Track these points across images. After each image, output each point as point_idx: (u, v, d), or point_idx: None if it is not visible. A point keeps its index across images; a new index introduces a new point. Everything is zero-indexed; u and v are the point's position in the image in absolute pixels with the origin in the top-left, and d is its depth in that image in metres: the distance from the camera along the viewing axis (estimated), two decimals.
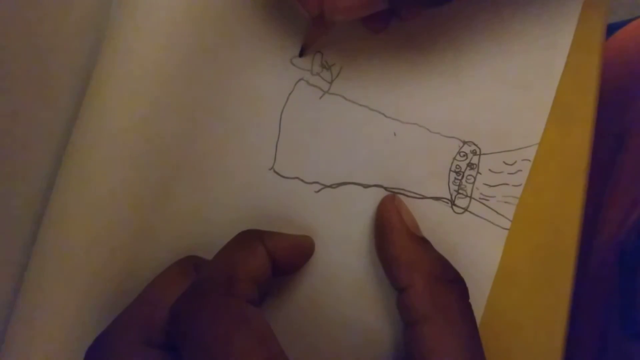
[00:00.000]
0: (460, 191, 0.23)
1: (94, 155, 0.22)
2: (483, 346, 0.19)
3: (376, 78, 0.24)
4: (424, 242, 0.21)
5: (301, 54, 0.24)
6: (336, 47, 0.24)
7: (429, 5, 0.22)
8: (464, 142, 0.24)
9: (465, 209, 0.23)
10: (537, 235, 0.23)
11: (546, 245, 0.23)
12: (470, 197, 0.23)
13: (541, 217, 0.23)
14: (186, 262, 0.21)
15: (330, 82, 0.24)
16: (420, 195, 0.23)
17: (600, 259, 0.33)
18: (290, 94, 0.24)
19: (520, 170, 0.23)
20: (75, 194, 0.22)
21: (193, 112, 0.23)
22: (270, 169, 0.23)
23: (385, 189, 0.23)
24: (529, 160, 0.23)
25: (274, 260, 0.20)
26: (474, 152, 0.23)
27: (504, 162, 0.23)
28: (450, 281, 0.20)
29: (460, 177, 0.23)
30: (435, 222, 0.23)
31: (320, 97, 0.24)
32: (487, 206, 0.23)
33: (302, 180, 0.23)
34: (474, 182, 0.23)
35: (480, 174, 0.23)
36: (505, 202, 0.23)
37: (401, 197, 0.23)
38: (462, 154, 0.24)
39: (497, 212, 0.23)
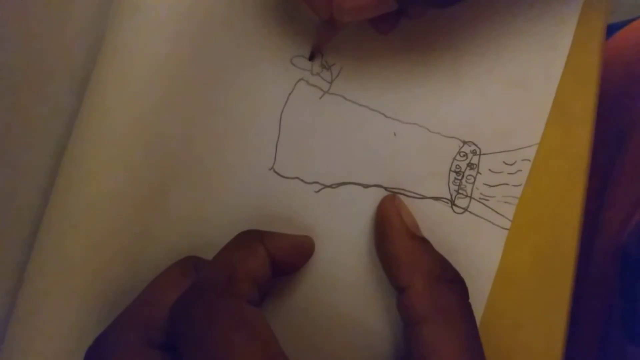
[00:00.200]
0: (460, 191, 0.23)
1: (94, 155, 0.22)
2: (483, 346, 0.19)
3: (376, 78, 0.24)
4: (424, 242, 0.21)
5: (311, 58, 0.24)
6: (336, 47, 0.24)
7: (438, 6, 0.22)
8: (464, 142, 0.24)
9: (465, 209, 0.23)
10: (537, 235, 0.23)
11: (546, 245, 0.23)
12: (470, 197, 0.23)
13: (541, 217, 0.23)
14: (186, 262, 0.21)
15: (330, 82, 0.24)
16: (420, 195, 0.23)
17: (600, 258, 0.33)
18: (290, 94, 0.24)
19: (520, 170, 0.23)
20: (75, 194, 0.22)
21: (193, 112, 0.23)
22: (270, 169, 0.23)
23: (385, 189, 0.23)
24: (529, 160, 0.23)
25: (274, 261, 0.20)
26: (474, 152, 0.23)
27: (504, 162, 0.23)
28: (450, 281, 0.20)
29: (460, 177, 0.23)
30: (435, 222, 0.23)
31: (320, 97, 0.24)
32: (487, 206, 0.23)
33: (302, 180, 0.23)
34: (474, 182, 0.23)
35: (480, 174, 0.23)
36: (505, 202, 0.23)
37: (401, 197, 0.23)
38: (462, 154, 0.23)
39: (497, 212, 0.23)
